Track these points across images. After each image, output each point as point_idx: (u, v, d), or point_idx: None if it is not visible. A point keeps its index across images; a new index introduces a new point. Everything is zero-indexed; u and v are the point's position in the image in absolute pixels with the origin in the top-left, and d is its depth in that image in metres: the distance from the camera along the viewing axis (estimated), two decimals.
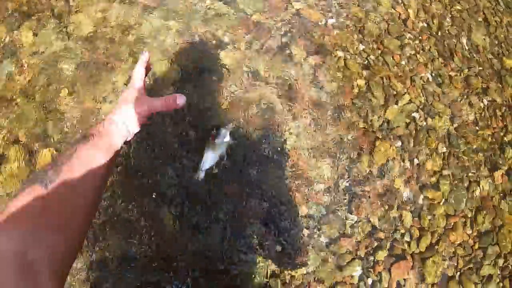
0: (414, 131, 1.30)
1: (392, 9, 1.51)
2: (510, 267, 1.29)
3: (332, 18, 1.38)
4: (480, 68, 1.56)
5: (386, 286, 1.13)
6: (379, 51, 1.38)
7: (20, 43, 1.30)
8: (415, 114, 1.32)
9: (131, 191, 1.07)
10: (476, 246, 1.28)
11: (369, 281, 1.13)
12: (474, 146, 1.38)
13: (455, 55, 1.52)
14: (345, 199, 1.15)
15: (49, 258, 0.39)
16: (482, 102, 1.48)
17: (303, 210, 1.12)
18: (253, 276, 1.05)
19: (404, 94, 1.34)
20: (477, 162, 1.36)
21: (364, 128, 1.24)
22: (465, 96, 1.44)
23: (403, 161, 1.24)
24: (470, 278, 1.23)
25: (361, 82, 1.30)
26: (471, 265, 1.24)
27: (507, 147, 1.44)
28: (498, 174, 1.38)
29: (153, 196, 1.07)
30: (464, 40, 1.61)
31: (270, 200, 1.10)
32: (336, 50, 1.33)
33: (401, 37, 1.45)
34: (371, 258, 1.14)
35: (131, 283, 1.00)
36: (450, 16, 1.66)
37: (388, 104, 1.30)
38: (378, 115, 1.27)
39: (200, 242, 1.04)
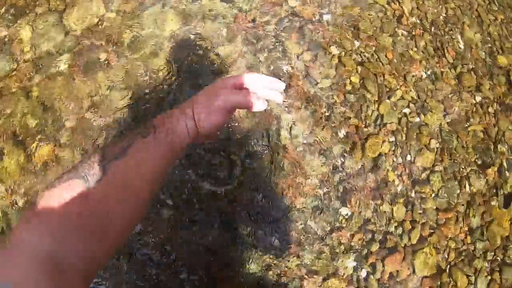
0: (406, 127, 1.32)
1: (387, 6, 1.53)
2: (499, 261, 1.32)
3: (327, 14, 1.40)
4: (473, 65, 1.58)
5: (379, 277, 1.16)
6: (373, 48, 1.40)
7: (17, 38, 1.31)
8: (407, 110, 1.35)
9: None
10: (468, 240, 1.31)
11: (363, 272, 1.16)
12: (466, 142, 1.41)
13: (448, 52, 1.55)
14: (339, 192, 1.18)
15: (79, 260, 0.36)
16: (474, 98, 1.50)
17: (297, 203, 1.14)
18: (247, 268, 1.08)
19: (396, 90, 1.36)
20: (468, 158, 1.39)
21: (357, 123, 1.27)
22: (458, 93, 1.47)
23: (396, 156, 1.27)
24: (462, 270, 1.26)
25: (355, 78, 1.32)
26: (463, 258, 1.27)
27: (499, 144, 1.47)
28: (489, 170, 1.40)
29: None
30: (457, 38, 1.63)
31: (264, 194, 1.13)
32: (331, 46, 1.35)
33: (395, 34, 1.47)
34: (364, 250, 1.17)
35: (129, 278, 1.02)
36: (444, 13, 1.68)
37: (381, 100, 1.33)
38: (371, 111, 1.30)
39: (195, 235, 1.06)
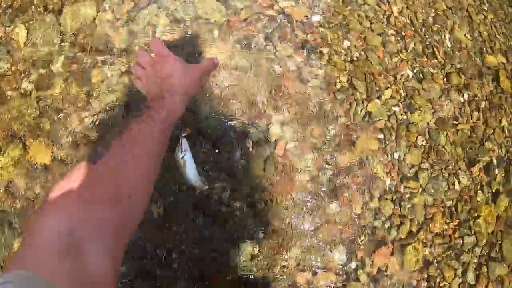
0: (395, 125, 1.36)
1: (377, 6, 1.56)
2: (486, 256, 1.35)
3: (317, 15, 1.43)
4: (462, 65, 1.61)
5: (368, 271, 1.20)
6: (363, 48, 1.43)
7: (13, 38, 1.32)
8: (396, 109, 1.38)
9: None
10: (456, 235, 1.34)
11: (352, 266, 1.19)
12: (454, 140, 1.44)
13: (437, 52, 1.58)
14: (328, 188, 1.21)
15: (98, 234, 0.37)
16: (462, 97, 1.54)
17: (287, 199, 1.18)
18: (236, 262, 1.10)
19: (385, 89, 1.39)
20: (456, 155, 1.42)
21: (346, 121, 1.30)
22: (446, 92, 1.50)
23: (384, 153, 1.30)
24: (449, 264, 1.29)
25: (344, 78, 1.36)
26: (450, 252, 1.31)
27: (486, 142, 1.50)
28: (476, 167, 1.44)
29: None
30: (447, 37, 1.66)
31: (254, 190, 1.16)
32: (321, 47, 1.38)
33: (384, 34, 1.50)
34: (353, 244, 1.20)
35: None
36: (433, 13, 1.71)
37: (370, 98, 1.36)
38: (360, 109, 1.33)
39: (185, 231, 1.09)
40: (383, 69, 1.43)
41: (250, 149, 1.19)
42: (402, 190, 1.30)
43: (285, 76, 1.30)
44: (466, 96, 1.54)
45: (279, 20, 1.38)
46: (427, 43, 1.58)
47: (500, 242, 1.38)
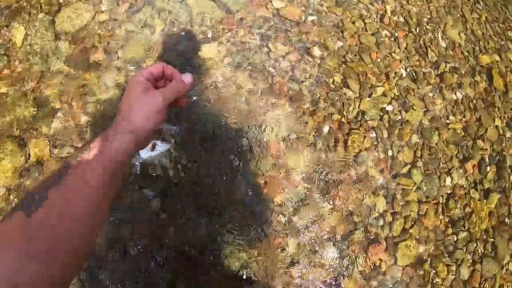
0: (388, 123, 1.37)
1: (370, 6, 1.57)
2: (479, 252, 1.37)
3: (312, 15, 1.45)
4: (455, 64, 1.63)
5: (361, 268, 1.21)
6: (356, 48, 1.45)
7: (10, 39, 1.33)
8: (389, 107, 1.40)
9: None
10: (449, 231, 1.36)
11: (345, 263, 1.20)
12: (447, 138, 1.46)
13: (430, 51, 1.60)
14: (322, 186, 1.23)
15: (34, 286, 0.36)
16: (455, 96, 1.56)
17: (281, 197, 1.19)
18: (231, 260, 1.12)
19: (378, 88, 1.41)
20: (449, 154, 1.44)
21: (339, 119, 1.32)
22: (439, 91, 1.52)
23: (377, 151, 1.32)
24: (442, 260, 1.31)
25: (338, 77, 1.37)
26: (443, 249, 1.32)
27: (479, 140, 1.52)
28: (469, 164, 1.45)
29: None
30: (440, 37, 1.68)
31: (249, 188, 1.17)
32: (314, 46, 1.40)
33: (377, 33, 1.52)
34: (347, 241, 1.22)
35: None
36: (427, 12, 1.72)
37: (362, 97, 1.38)
38: (353, 108, 1.35)
39: (180, 229, 1.11)
40: (376, 68, 1.45)
41: (244, 148, 1.21)
42: (395, 187, 1.31)
43: (279, 76, 1.32)
44: (459, 95, 1.56)
45: (273, 21, 1.40)
46: (421, 42, 1.60)
47: (492, 239, 1.40)
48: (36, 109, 1.25)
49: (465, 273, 1.32)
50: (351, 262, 1.21)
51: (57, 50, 1.33)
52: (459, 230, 1.36)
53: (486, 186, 1.45)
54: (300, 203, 1.20)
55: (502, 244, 1.40)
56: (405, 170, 1.35)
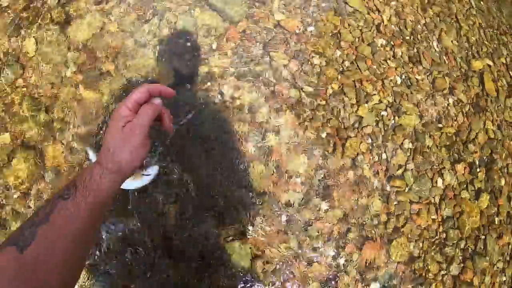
0: (382, 129, 1.45)
1: (367, 15, 1.64)
2: (470, 250, 1.44)
3: (311, 26, 1.52)
4: (448, 70, 1.69)
5: (357, 265, 1.29)
6: (354, 57, 1.52)
7: (22, 50, 1.36)
8: (384, 113, 1.48)
9: None
10: (440, 229, 1.43)
11: (341, 260, 1.28)
12: (439, 142, 1.53)
13: (424, 59, 1.66)
14: (320, 188, 1.31)
15: None
16: (448, 101, 1.63)
17: (282, 199, 1.27)
18: (237, 258, 1.19)
19: (374, 95, 1.48)
20: (441, 157, 1.51)
21: (337, 126, 1.39)
22: (432, 96, 1.59)
23: (373, 155, 1.40)
24: (434, 258, 1.38)
25: (335, 85, 1.45)
26: (435, 247, 1.40)
27: (470, 144, 1.59)
28: (460, 167, 1.53)
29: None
30: (434, 44, 1.74)
31: (253, 191, 1.25)
32: (313, 56, 1.47)
33: (373, 43, 1.59)
34: (343, 240, 1.30)
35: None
36: (422, 20, 1.79)
37: (359, 104, 1.45)
38: (350, 114, 1.42)
39: (186, 227, 1.18)
40: (373, 76, 1.52)
41: (246, 152, 1.29)
42: (389, 188, 1.39)
43: (280, 84, 1.39)
44: (451, 101, 1.63)
45: (274, 32, 1.47)
46: (415, 50, 1.67)
47: (484, 237, 1.47)
48: (50, 117, 1.30)
49: (456, 269, 1.39)
50: (347, 259, 1.28)
51: (68, 59, 1.38)
52: (450, 227, 1.43)
53: (477, 187, 1.53)
54: (300, 205, 1.28)
55: (492, 242, 1.47)
56: (399, 172, 1.42)
